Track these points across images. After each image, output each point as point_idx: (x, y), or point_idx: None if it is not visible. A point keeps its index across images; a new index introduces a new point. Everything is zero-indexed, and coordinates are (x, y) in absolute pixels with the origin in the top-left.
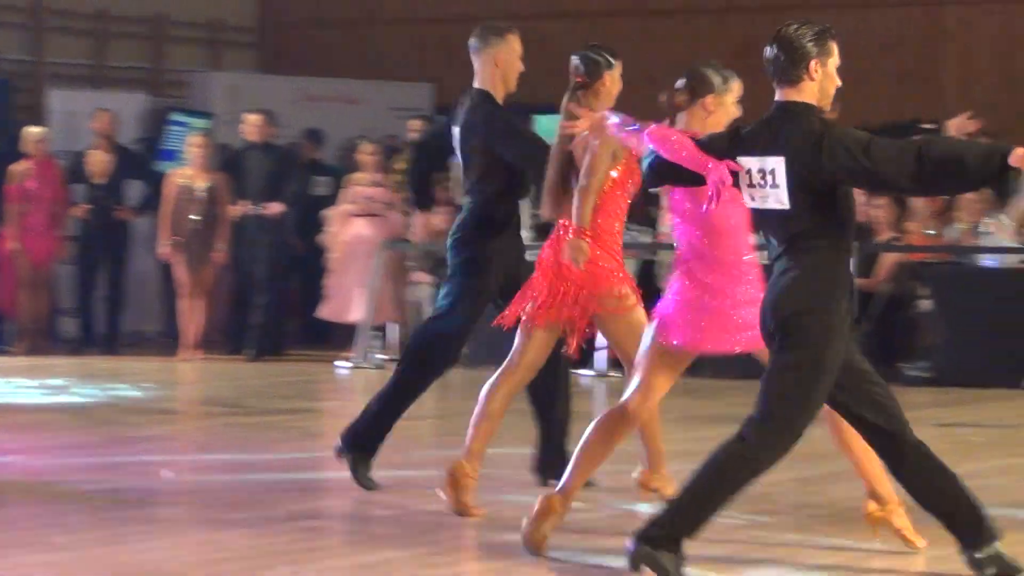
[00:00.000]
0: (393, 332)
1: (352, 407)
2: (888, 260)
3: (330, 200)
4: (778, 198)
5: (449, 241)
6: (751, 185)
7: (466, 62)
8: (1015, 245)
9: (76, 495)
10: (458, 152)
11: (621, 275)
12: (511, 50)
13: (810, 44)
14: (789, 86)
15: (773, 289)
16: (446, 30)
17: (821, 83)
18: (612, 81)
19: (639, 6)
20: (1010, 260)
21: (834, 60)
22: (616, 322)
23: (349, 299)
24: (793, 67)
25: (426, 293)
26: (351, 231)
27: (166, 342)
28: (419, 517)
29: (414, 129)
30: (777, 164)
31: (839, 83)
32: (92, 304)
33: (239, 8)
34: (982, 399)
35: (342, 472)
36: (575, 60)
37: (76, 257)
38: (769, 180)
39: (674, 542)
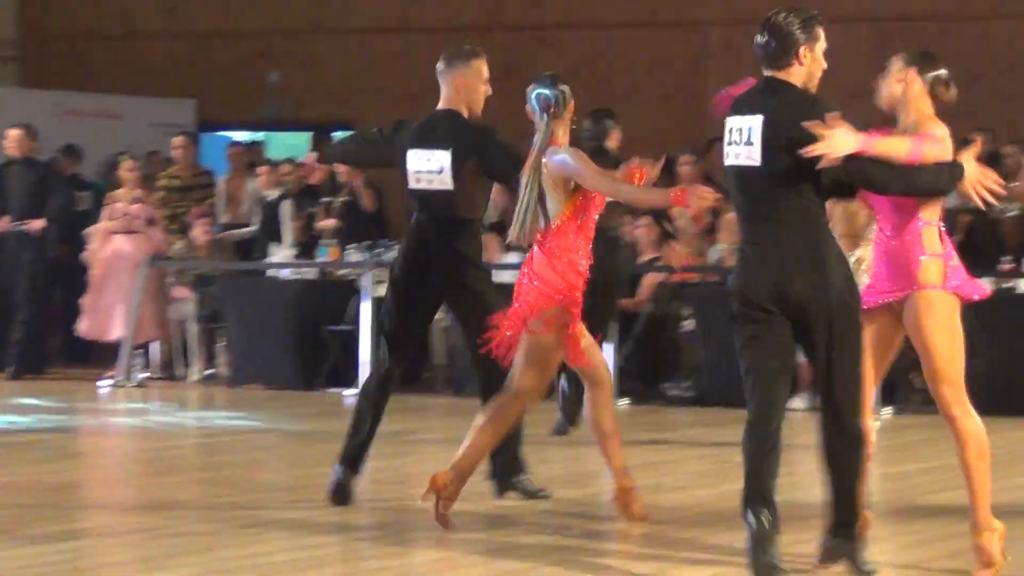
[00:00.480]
0: (155, 350)
1: (114, 426)
2: (650, 280)
3: (91, 216)
4: (750, 155)
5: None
6: (730, 143)
7: (228, 77)
8: None
9: None
10: (442, 172)
11: (559, 297)
12: (475, 74)
13: (798, 31)
14: (778, 71)
15: (779, 265)
16: (207, 46)
17: (809, 67)
18: (571, 110)
19: (403, 24)
20: None
21: (821, 44)
22: (527, 340)
23: (110, 317)
24: (784, 53)
25: (188, 309)
26: (111, 248)
27: None
28: (179, 537)
29: (177, 146)
30: (755, 122)
31: (825, 65)
32: None
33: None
34: (744, 419)
35: (102, 490)
36: (545, 94)
37: None
38: (745, 137)
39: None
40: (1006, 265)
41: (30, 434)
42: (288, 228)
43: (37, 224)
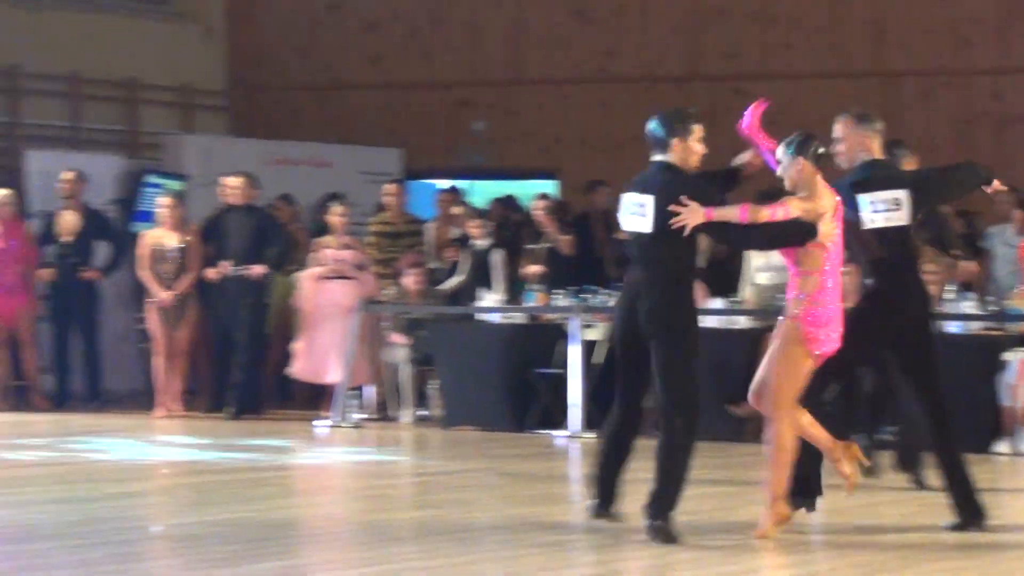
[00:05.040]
0: (370, 391)
1: (332, 465)
2: None
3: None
4: (644, 224)
5: None
6: (632, 214)
7: (431, 126)
8: None
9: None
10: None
11: None
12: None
13: (677, 124)
14: (663, 154)
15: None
16: (414, 95)
17: (681, 154)
18: None
19: (602, 74)
20: None
21: (695, 135)
22: None
23: (325, 360)
24: (662, 142)
25: (401, 353)
26: (322, 293)
27: (143, 400)
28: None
29: (388, 193)
30: (648, 200)
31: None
32: (68, 362)
33: (209, 72)
34: None
35: (323, 525)
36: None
37: (49, 315)
38: (639, 211)
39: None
40: None
41: (251, 472)
42: (499, 276)
43: (257, 270)
